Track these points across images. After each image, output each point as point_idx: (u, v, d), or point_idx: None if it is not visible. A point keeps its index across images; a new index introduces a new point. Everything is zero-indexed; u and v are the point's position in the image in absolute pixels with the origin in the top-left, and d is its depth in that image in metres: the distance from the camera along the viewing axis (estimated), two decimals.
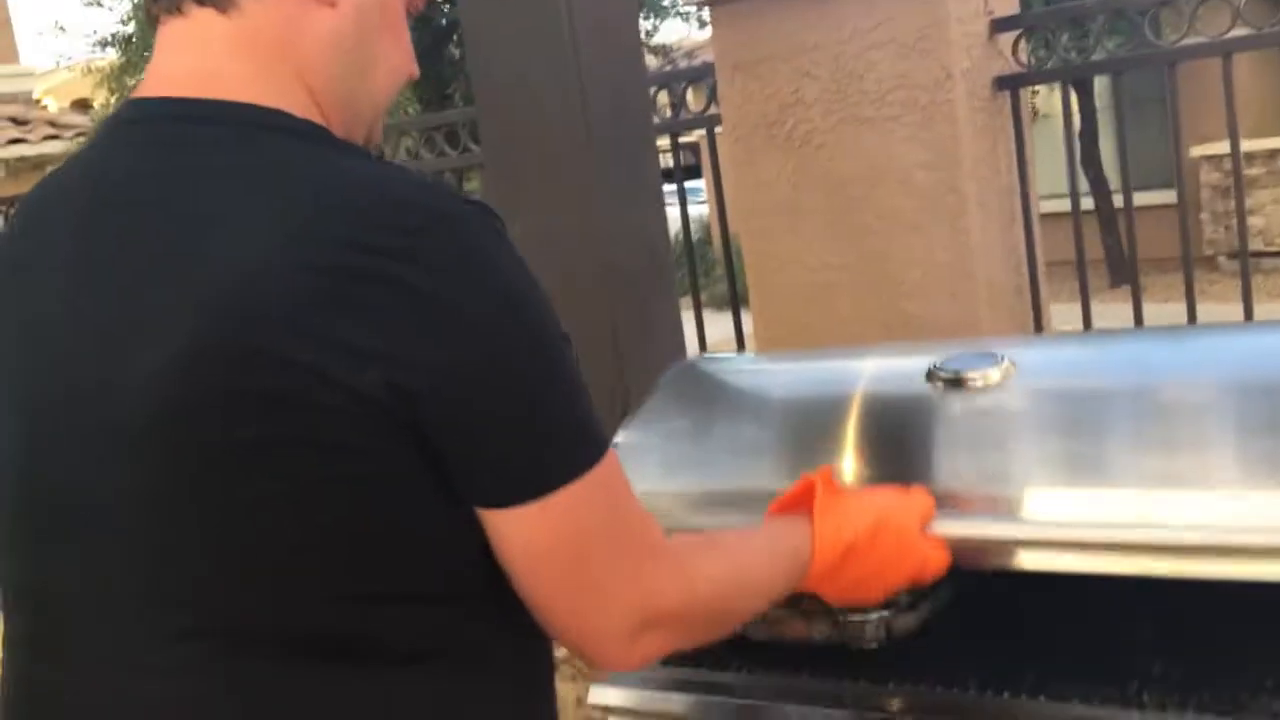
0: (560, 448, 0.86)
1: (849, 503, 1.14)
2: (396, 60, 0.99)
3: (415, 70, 1.02)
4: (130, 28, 10.55)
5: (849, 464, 1.29)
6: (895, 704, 1.25)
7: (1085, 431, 1.27)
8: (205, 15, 0.90)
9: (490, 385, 0.82)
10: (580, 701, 1.60)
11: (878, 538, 1.11)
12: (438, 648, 0.88)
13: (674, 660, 1.42)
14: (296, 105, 0.90)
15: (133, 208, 0.85)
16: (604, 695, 1.38)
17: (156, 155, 0.87)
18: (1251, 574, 1.07)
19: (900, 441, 1.33)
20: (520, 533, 0.85)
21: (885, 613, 1.32)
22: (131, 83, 10.57)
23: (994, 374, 1.29)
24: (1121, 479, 1.21)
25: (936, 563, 1.15)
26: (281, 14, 0.90)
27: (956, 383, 1.30)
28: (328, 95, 0.93)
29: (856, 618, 1.33)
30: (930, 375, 1.33)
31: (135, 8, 10.36)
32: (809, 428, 1.41)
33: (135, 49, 10.51)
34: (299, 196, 0.82)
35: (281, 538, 0.82)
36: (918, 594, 1.36)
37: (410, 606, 0.86)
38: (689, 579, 0.95)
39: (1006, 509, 1.20)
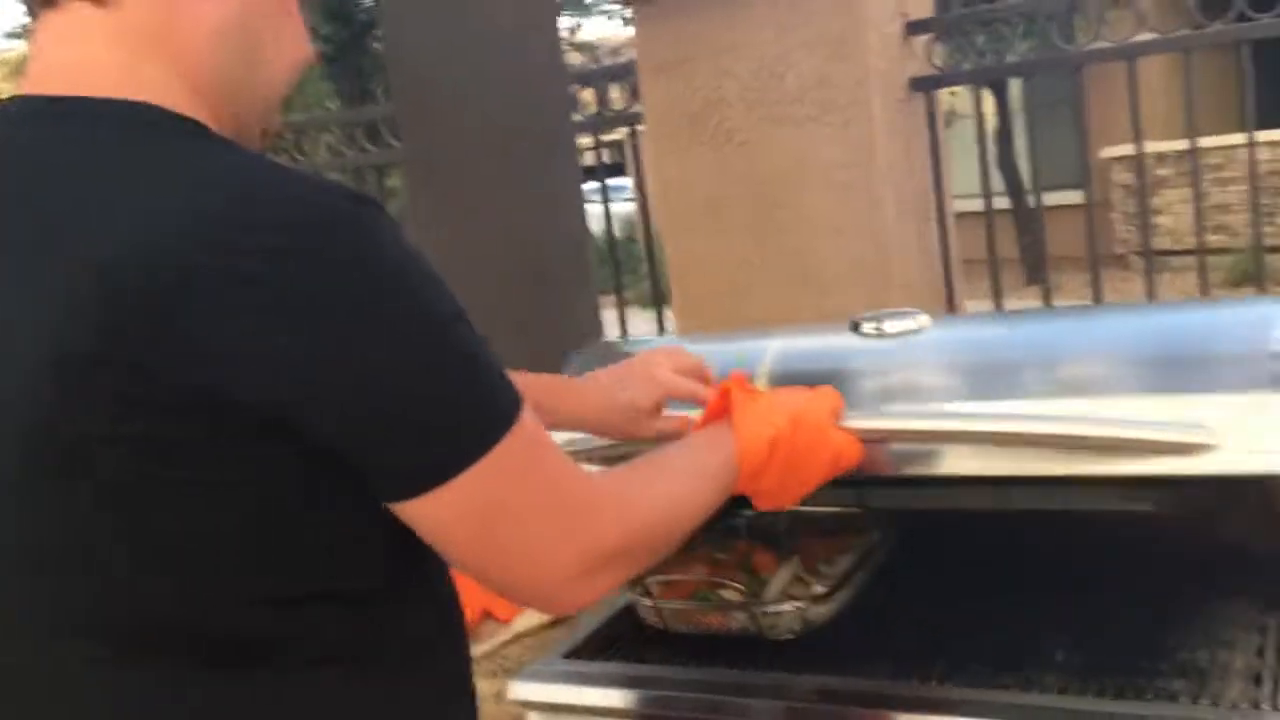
0: (465, 429, 0.84)
1: (764, 402, 1.17)
2: (289, 46, 0.96)
3: (310, 54, 0.99)
4: None
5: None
6: (810, 692, 1.27)
7: (989, 364, 1.36)
8: (80, 8, 0.87)
9: (382, 383, 0.80)
10: (499, 697, 1.61)
11: (797, 431, 1.15)
12: (352, 647, 0.87)
13: (591, 654, 1.44)
14: (173, 99, 0.87)
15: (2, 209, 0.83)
16: (523, 690, 1.39)
17: (23, 155, 0.85)
18: (1144, 469, 1.15)
19: (820, 370, 1.38)
20: (441, 517, 0.85)
21: (800, 603, 1.35)
22: None
23: (911, 323, 1.38)
24: (1023, 394, 1.26)
25: (850, 454, 1.19)
26: (161, 4, 0.88)
27: (877, 330, 1.39)
28: (213, 87, 0.90)
29: (772, 608, 1.36)
30: (854, 326, 1.41)
31: None
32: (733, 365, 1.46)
33: None
34: (166, 195, 0.79)
35: (171, 542, 0.80)
36: (832, 584, 1.39)
37: (319, 607, 0.85)
38: (627, 513, 0.96)
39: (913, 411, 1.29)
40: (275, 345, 0.77)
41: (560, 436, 1.23)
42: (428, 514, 0.84)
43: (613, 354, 1.66)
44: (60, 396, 0.78)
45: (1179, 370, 1.22)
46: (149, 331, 0.76)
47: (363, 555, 0.87)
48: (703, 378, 1.33)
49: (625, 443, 1.32)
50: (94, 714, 0.84)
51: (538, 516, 0.89)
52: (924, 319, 1.39)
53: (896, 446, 1.26)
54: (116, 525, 0.80)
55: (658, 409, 1.31)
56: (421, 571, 0.90)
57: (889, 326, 1.38)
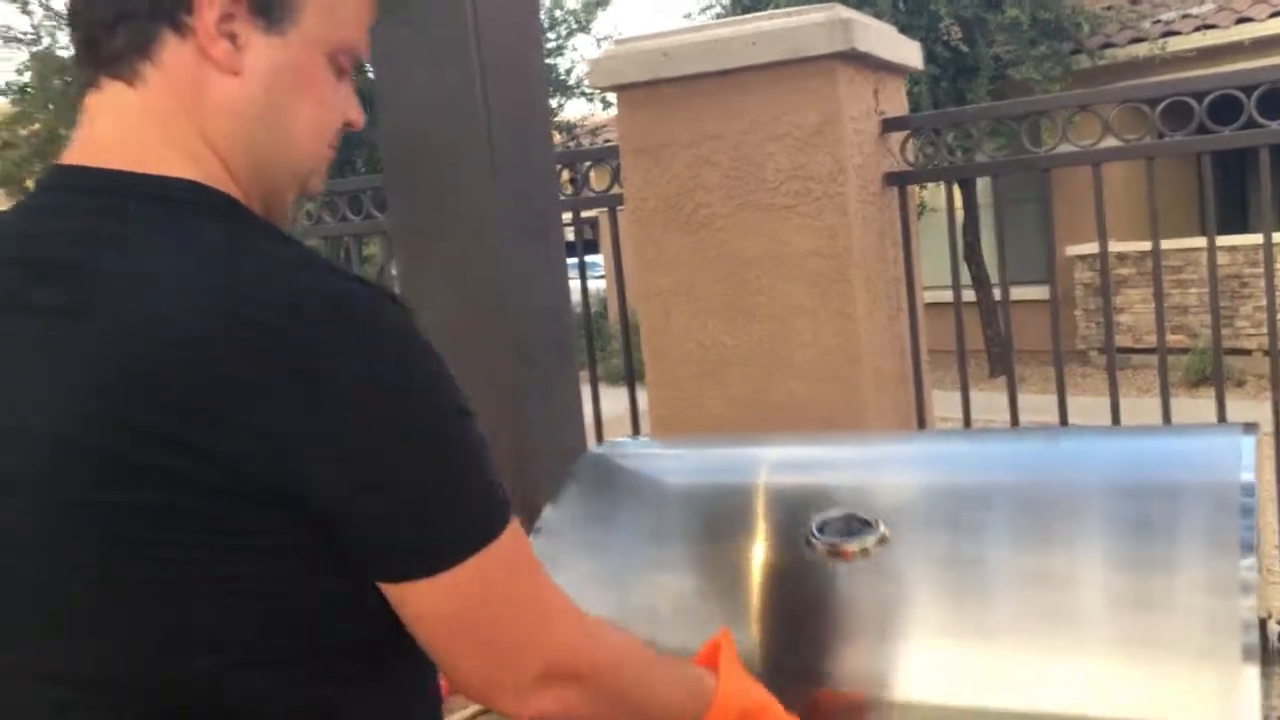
0: (459, 525, 0.88)
1: (748, 677, 1.16)
2: (320, 118, 0.98)
3: (354, 118, 1.02)
4: (25, 77, 10.37)
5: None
6: None
7: (950, 591, 1.36)
8: (116, 87, 0.92)
9: (388, 471, 0.84)
10: None
11: (763, 714, 1.14)
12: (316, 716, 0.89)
13: None
14: (208, 174, 0.91)
15: (35, 270, 0.87)
16: None
17: (54, 225, 0.89)
18: None
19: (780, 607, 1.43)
20: (424, 603, 0.88)
21: None
22: (24, 131, 10.37)
23: (869, 540, 1.37)
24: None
25: None
26: (183, 83, 0.91)
27: (830, 548, 1.39)
28: (238, 162, 0.93)
29: None
30: (808, 541, 1.40)
31: (32, 57, 10.17)
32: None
33: (32, 100, 10.32)
34: (195, 273, 0.83)
35: (151, 606, 0.82)
36: None
37: (287, 674, 0.86)
38: (593, 642, 0.98)
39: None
40: (293, 426, 0.80)
41: None
42: (419, 598, 0.87)
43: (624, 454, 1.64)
44: (74, 459, 0.80)
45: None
46: (168, 405, 0.79)
47: (341, 630, 0.89)
48: None
49: None
50: None
51: (518, 613, 0.92)
52: (881, 533, 1.36)
53: None
54: (110, 585, 0.82)
55: None
56: (404, 646, 0.92)
57: (846, 545, 1.35)
